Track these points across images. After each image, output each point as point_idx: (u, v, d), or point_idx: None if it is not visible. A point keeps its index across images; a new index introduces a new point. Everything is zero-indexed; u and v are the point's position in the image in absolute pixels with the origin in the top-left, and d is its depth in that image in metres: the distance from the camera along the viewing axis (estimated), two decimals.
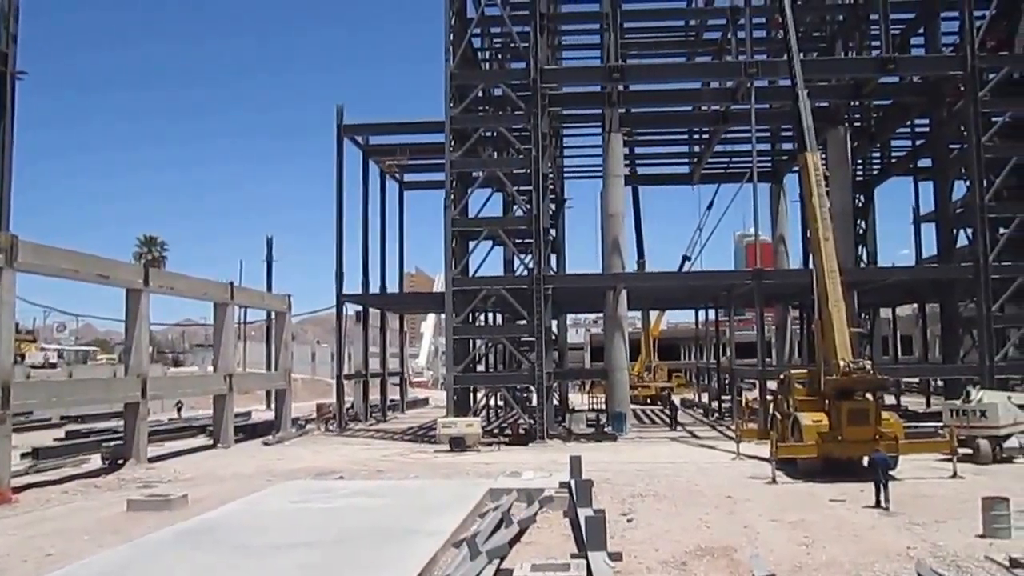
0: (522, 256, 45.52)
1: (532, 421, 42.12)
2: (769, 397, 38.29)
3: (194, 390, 49.54)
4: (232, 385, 43.13)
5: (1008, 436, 30.35)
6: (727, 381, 57.83)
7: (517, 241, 45.71)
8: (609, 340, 47.03)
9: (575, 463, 23.76)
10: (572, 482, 21.90)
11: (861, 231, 55.04)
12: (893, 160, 60.24)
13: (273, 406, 52.93)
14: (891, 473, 25.71)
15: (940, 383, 56.47)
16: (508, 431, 44.65)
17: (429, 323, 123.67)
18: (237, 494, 25.36)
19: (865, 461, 25.05)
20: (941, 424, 33.01)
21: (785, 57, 36.37)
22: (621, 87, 46.44)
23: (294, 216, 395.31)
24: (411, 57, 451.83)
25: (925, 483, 26.12)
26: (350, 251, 51.86)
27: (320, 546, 17.27)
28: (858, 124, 54.61)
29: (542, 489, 23.37)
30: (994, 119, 41.56)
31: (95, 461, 34.65)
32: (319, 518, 20.47)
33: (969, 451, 29.75)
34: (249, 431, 47.23)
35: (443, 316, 48.54)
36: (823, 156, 39.34)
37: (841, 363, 28.45)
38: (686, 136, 63.21)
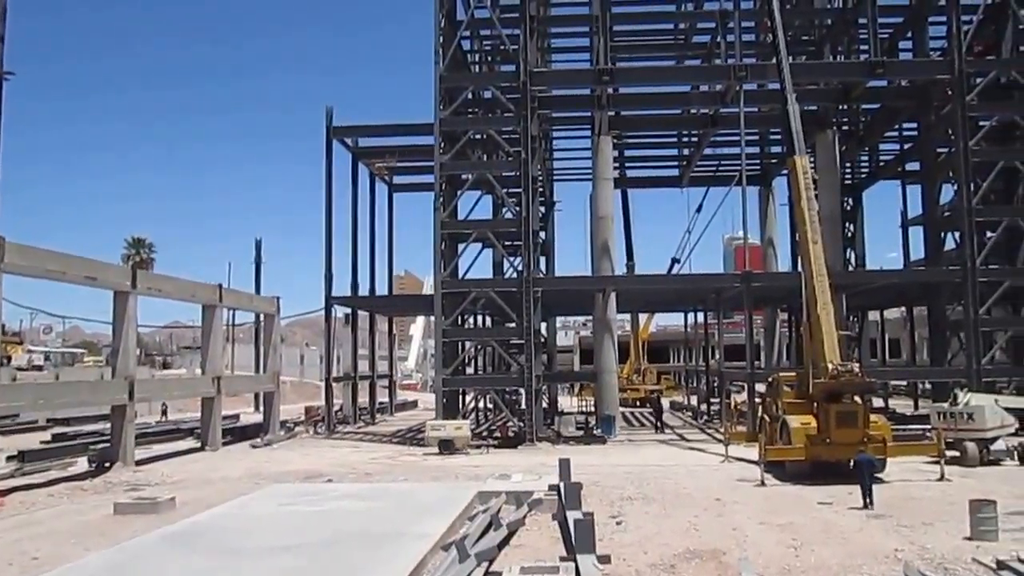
0: (511, 259, 45.50)
1: (521, 424, 42.11)
2: (758, 400, 38.34)
3: (182, 392, 49.26)
4: (220, 387, 42.93)
5: (995, 439, 30.47)
6: (716, 384, 57.91)
7: (506, 243, 45.69)
8: (598, 343, 47.09)
9: (564, 466, 23.72)
10: (561, 485, 21.84)
11: (849, 234, 55.24)
12: (881, 164, 60.47)
13: (261, 409, 52.73)
14: (879, 476, 25.86)
15: (928, 386, 56.68)
16: (497, 434, 44.58)
17: (418, 325, 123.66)
18: (225, 497, 25.24)
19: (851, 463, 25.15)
20: (929, 427, 33.16)
21: (774, 60, 36.49)
22: (610, 90, 46.53)
23: (283, 218, 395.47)
24: (401, 59, 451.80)
25: (913, 485, 26.18)
26: (339, 253, 51.78)
27: (308, 549, 17.19)
28: (846, 128, 54.82)
29: (531, 492, 23.31)
30: (981, 123, 41.78)
31: (82, 464, 34.39)
32: (307, 521, 20.38)
33: (956, 454, 29.85)
34: (237, 434, 47.01)
35: (432, 318, 48.44)
36: (812, 159, 39.37)
37: (829, 366, 28.49)
38: (675, 139, 63.48)
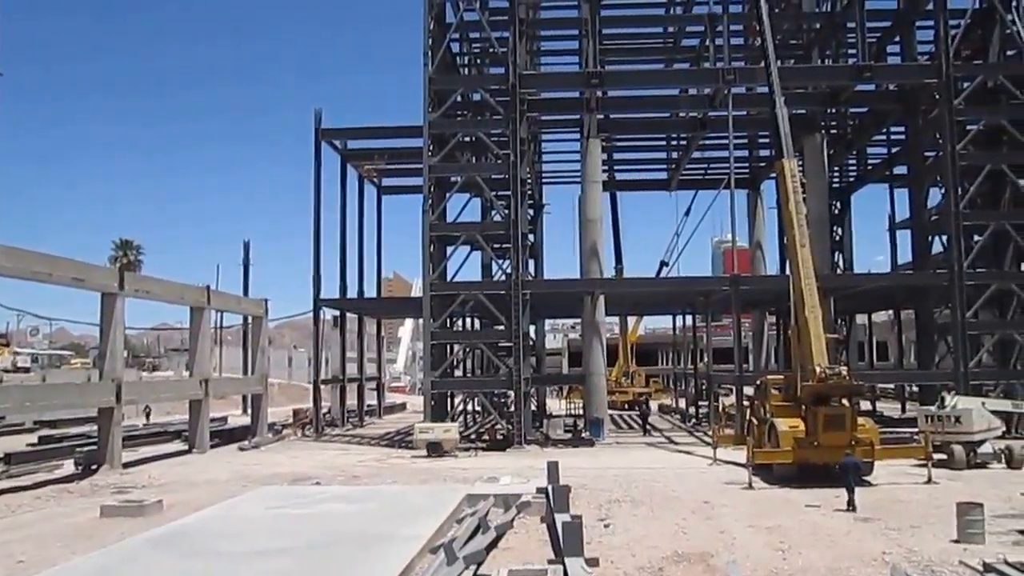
0: (500, 261, 45.43)
1: (510, 426, 42.07)
2: (746, 403, 38.41)
3: (169, 395, 49.08)
4: (208, 390, 42.78)
5: (982, 442, 30.65)
6: (704, 387, 58.00)
7: (495, 246, 45.61)
8: (587, 345, 47.09)
9: (552, 468, 23.73)
10: (549, 487, 21.84)
11: (837, 237, 55.37)
12: (869, 167, 60.66)
13: (249, 411, 52.54)
14: (866, 479, 25.98)
15: (915, 389, 56.99)
16: (486, 436, 44.57)
17: (407, 328, 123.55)
18: (212, 500, 25.15)
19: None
20: (916, 430, 33.29)
21: (762, 64, 36.62)
22: (599, 93, 46.63)
23: (272, 221, 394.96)
24: (390, 62, 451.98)
25: (900, 488, 26.30)
26: (328, 255, 51.69)
27: (296, 552, 17.15)
28: (835, 131, 55.03)
29: (519, 495, 23.35)
30: (968, 127, 41.90)
31: (68, 466, 34.28)
32: (295, 524, 20.33)
33: (944, 456, 30.00)
34: (225, 436, 46.86)
35: (421, 321, 48.34)
36: (800, 163, 39.50)
37: (817, 369, 28.58)
38: (664, 142, 63.56)
